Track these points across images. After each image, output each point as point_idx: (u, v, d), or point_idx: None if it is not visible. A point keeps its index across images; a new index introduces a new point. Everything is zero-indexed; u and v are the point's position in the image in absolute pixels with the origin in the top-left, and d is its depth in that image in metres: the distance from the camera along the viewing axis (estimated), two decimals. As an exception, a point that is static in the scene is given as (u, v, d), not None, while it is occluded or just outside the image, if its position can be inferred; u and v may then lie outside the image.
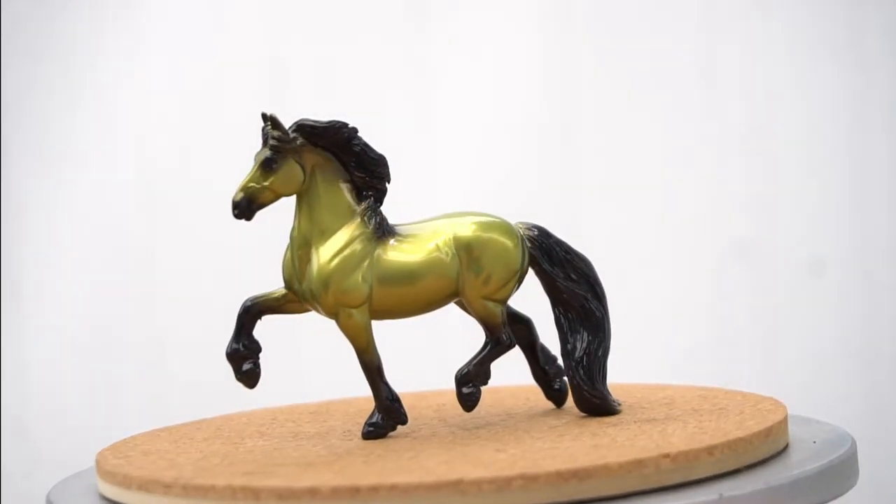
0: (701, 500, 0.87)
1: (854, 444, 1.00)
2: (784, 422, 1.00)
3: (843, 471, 0.96)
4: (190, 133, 1.93)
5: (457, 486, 0.85)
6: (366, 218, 1.04)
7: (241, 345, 1.04)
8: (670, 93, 1.90)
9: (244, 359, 1.04)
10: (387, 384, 1.06)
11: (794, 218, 1.89)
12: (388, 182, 1.06)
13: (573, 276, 1.08)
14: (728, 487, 0.89)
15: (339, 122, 1.05)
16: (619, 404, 1.08)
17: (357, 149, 1.04)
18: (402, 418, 1.06)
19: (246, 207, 1.02)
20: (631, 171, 1.91)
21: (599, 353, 1.08)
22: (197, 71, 1.94)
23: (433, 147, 1.93)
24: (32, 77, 1.91)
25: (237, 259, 1.89)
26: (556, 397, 1.13)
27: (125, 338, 1.92)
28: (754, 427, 0.96)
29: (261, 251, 1.78)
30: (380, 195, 1.05)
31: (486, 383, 1.07)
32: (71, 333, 1.91)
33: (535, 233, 1.08)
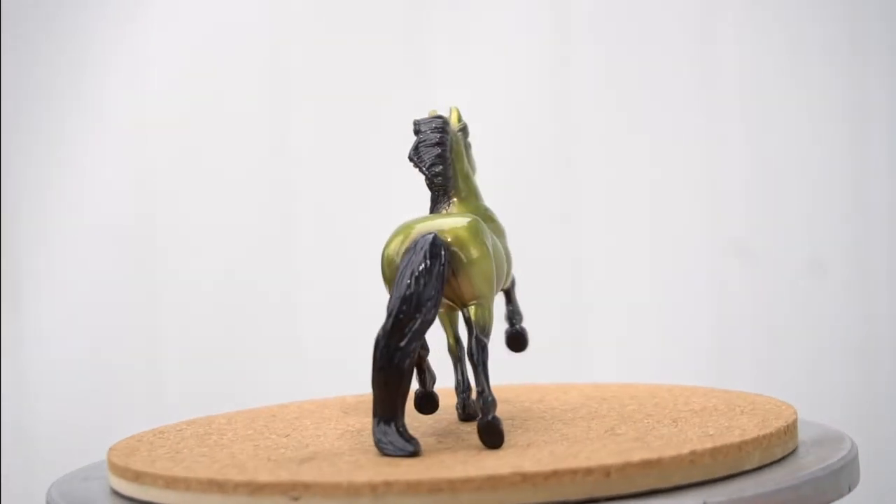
0: (709, 500, 0.87)
1: (855, 445, 1.00)
2: (794, 424, 0.99)
3: (843, 472, 0.95)
4: (190, 135, 1.93)
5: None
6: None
7: None
8: (670, 92, 1.90)
9: None
10: (463, 372, 1.05)
11: (794, 218, 1.89)
12: (425, 175, 1.05)
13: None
14: (730, 490, 0.89)
15: (425, 117, 1.09)
16: (390, 445, 0.92)
17: None
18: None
19: None
20: (630, 171, 1.91)
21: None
22: (197, 69, 1.94)
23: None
24: (30, 80, 1.91)
25: (236, 261, 1.89)
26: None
27: (125, 338, 1.92)
28: (766, 429, 0.95)
29: (260, 252, 1.79)
30: (430, 186, 1.05)
31: (426, 387, 1.04)
32: (71, 334, 1.91)
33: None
